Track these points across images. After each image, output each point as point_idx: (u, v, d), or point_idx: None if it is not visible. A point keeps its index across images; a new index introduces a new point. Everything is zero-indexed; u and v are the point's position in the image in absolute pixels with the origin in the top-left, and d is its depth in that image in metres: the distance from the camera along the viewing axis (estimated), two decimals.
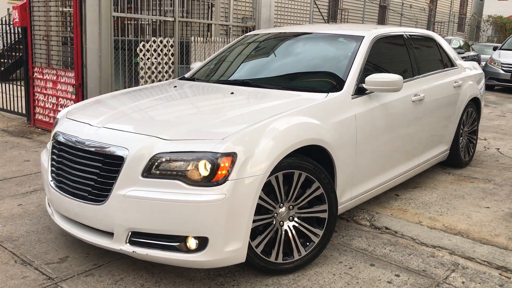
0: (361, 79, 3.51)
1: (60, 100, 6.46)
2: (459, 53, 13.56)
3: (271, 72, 3.89)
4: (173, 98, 3.44)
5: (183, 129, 2.71)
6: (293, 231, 2.90)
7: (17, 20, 6.81)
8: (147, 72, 7.02)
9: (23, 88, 7.24)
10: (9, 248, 3.12)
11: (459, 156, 5.07)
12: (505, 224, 3.74)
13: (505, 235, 3.54)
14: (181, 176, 2.51)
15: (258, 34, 4.56)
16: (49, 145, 3.14)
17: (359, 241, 3.37)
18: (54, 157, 2.98)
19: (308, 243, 2.96)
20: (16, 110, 7.49)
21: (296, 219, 2.92)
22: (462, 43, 15.49)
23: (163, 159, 2.54)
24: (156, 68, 7.16)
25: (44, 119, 6.75)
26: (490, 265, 3.09)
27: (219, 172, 2.49)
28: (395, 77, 3.41)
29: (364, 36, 3.84)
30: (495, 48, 14.91)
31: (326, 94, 3.32)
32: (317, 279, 2.84)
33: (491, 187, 4.64)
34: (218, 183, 2.49)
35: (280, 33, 4.41)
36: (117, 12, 6.54)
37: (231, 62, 4.30)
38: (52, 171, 2.99)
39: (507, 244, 3.39)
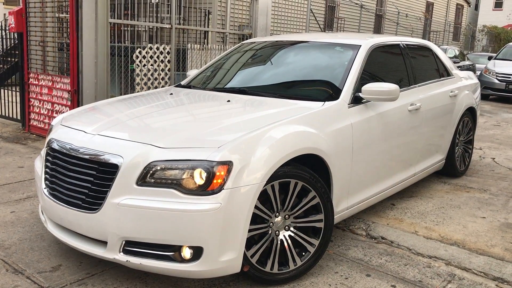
0: (358, 88, 3.50)
1: (55, 106, 6.43)
2: (454, 62, 13.63)
3: (267, 80, 3.88)
4: (169, 106, 3.42)
5: (179, 137, 2.69)
6: (289, 241, 2.87)
7: (13, 25, 6.79)
8: (143, 79, 7.00)
9: (18, 93, 7.20)
10: (0, 256, 3.07)
11: (455, 166, 5.07)
12: (501, 235, 3.73)
13: (501, 246, 3.52)
14: (176, 184, 2.48)
15: (254, 42, 4.56)
16: (43, 152, 3.11)
17: (355, 251, 3.35)
18: (48, 164, 2.95)
19: (304, 253, 2.94)
20: (11, 115, 7.45)
21: (292, 228, 2.89)
22: (457, 53, 15.57)
23: (158, 167, 2.51)
24: (152, 75, 7.15)
25: (39, 125, 6.71)
26: (486, 276, 3.07)
27: (215, 181, 2.47)
28: (391, 86, 3.40)
29: (360, 45, 3.84)
30: (490, 58, 15.00)
31: (322, 102, 3.31)
32: None
33: (486, 197, 4.64)
34: (214, 192, 2.47)
35: (277, 41, 4.40)
36: (114, 18, 6.54)
37: (227, 69, 4.29)
38: (45, 179, 2.96)
39: (503, 255, 3.37)
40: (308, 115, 3.11)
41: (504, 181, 5.22)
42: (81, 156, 2.71)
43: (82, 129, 2.94)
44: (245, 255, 2.64)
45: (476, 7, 34.66)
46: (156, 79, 7.22)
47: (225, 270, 2.56)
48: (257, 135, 2.72)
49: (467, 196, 4.64)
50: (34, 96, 6.77)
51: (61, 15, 7.18)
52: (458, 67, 12.68)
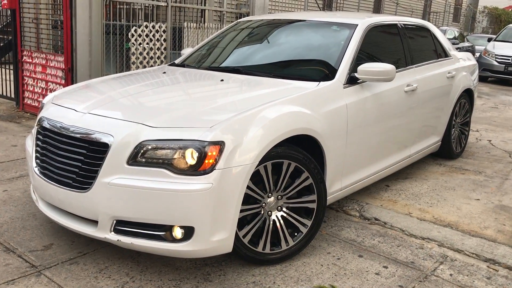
0: (354, 68, 3.45)
1: (50, 85, 6.36)
2: (453, 43, 13.51)
3: (262, 59, 3.82)
4: (161, 85, 3.37)
5: (170, 116, 2.66)
6: (281, 221, 2.86)
7: (5, 2, 6.67)
8: (138, 58, 6.92)
9: (12, 71, 7.12)
10: None
11: (450, 148, 5.05)
12: (495, 217, 3.73)
13: (494, 228, 3.53)
14: (167, 164, 2.46)
15: (251, 20, 4.49)
16: (34, 131, 3.07)
17: (348, 231, 3.35)
18: (39, 143, 2.91)
19: (296, 234, 2.93)
20: (5, 94, 7.38)
21: (284, 209, 2.88)
22: (457, 34, 15.44)
23: (149, 147, 2.48)
24: (148, 53, 7.06)
25: (33, 104, 6.65)
26: (478, 258, 3.07)
27: (206, 161, 2.44)
28: (387, 67, 3.36)
29: (357, 24, 3.78)
30: (489, 40, 14.87)
31: (317, 83, 3.26)
32: (304, 270, 2.82)
33: (481, 179, 4.63)
34: (205, 172, 2.44)
35: (274, 19, 4.34)
36: None
37: (222, 48, 4.22)
38: (36, 157, 2.93)
39: (496, 237, 3.38)
40: (303, 95, 3.07)
41: (500, 163, 5.21)
42: (71, 134, 2.68)
43: (73, 108, 2.89)
44: (237, 235, 2.64)
45: None
46: (152, 58, 7.14)
47: (216, 250, 2.55)
48: (250, 115, 2.68)
49: (462, 178, 4.63)
50: (28, 74, 6.69)
51: None
52: (457, 48, 12.57)
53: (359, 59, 3.56)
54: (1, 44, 8.31)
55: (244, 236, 2.71)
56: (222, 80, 3.38)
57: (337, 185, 3.32)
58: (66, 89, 3.46)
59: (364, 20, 3.87)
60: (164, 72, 3.76)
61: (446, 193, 4.18)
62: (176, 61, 4.28)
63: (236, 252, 2.70)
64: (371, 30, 3.85)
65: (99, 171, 2.53)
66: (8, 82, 7.41)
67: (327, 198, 3.15)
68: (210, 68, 3.85)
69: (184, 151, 2.45)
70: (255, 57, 3.89)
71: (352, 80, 3.42)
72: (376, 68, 3.35)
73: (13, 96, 7.15)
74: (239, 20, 4.62)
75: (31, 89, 6.65)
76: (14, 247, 2.92)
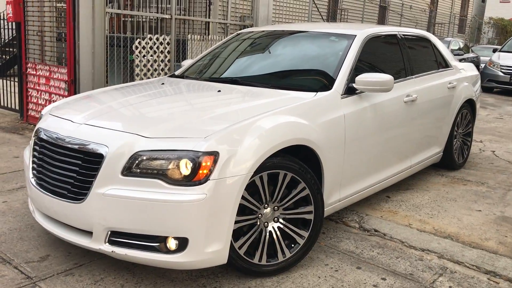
0: (352, 78, 3.45)
1: (53, 97, 6.41)
2: (458, 54, 13.49)
3: (261, 70, 3.83)
4: (158, 96, 3.38)
5: (165, 126, 2.66)
6: (278, 232, 2.84)
7: (10, 15, 6.76)
8: (142, 70, 6.96)
9: (16, 83, 7.18)
10: None
11: (452, 158, 5.01)
12: (496, 228, 3.68)
13: (495, 239, 3.48)
14: (162, 175, 2.45)
15: (252, 32, 4.51)
16: (31, 142, 3.09)
17: (347, 243, 3.31)
18: (36, 153, 2.92)
19: (293, 245, 2.90)
20: (9, 106, 7.44)
21: (281, 220, 2.86)
22: (461, 45, 15.41)
23: (144, 157, 2.48)
24: (152, 65, 7.10)
25: (36, 116, 6.69)
26: (478, 270, 3.03)
27: (201, 172, 2.44)
28: (385, 77, 3.35)
29: (356, 35, 3.78)
30: (494, 50, 14.83)
31: (315, 93, 3.26)
32: (301, 282, 2.79)
33: (484, 190, 4.58)
34: (200, 183, 2.43)
35: (274, 31, 4.35)
36: (113, 8, 6.48)
37: (222, 59, 4.24)
38: (33, 168, 2.93)
39: (497, 249, 3.33)
40: (300, 105, 3.07)
41: (503, 174, 5.16)
42: (67, 145, 2.69)
43: (70, 118, 2.90)
44: (233, 246, 2.62)
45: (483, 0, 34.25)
46: (155, 70, 7.18)
47: (211, 261, 2.53)
48: (246, 125, 2.68)
49: (464, 189, 4.58)
50: (32, 86, 6.75)
51: (58, 4, 7.14)
52: (462, 59, 12.54)
53: (357, 70, 3.55)
54: (7, 58, 8.39)
55: (240, 248, 2.69)
56: (219, 91, 3.38)
57: (336, 196, 3.30)
58: (64, 101, 3.48)
59: (363, 31, 3.87)
60: (163, 83, 3.77)
61: (447, 204, 4.14)
62: (176, 72, 4.29)
63: (232, 264, 2.68)
64: (370, 41, 3.85)
65: (94, 182, 2.53)
66: (12, 94, 7.48)
67: (325, 209, 3.12)
68: (208, 79, 3.86)
69: (178, 161, 2.45)
70: (254, 68, 3.90)
71: (350, 91, 3.41)
72: (374, 78, 3.35)
73: (17, 108, 7.21)
74: (239, 32, 4.64)
75: (35, 101, 6.70)
76: (10, 258, 2.92)
